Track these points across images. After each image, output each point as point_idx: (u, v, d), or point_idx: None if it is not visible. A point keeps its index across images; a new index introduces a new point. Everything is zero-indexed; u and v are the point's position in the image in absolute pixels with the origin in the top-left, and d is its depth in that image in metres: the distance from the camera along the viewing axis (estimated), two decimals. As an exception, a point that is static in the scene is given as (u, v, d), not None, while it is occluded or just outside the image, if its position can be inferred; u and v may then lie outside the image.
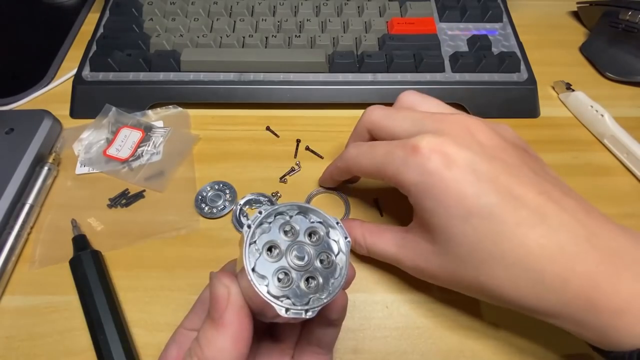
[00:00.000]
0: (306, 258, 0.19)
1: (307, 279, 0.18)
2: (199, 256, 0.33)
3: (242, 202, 0.36)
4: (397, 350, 0.29)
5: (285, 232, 0.19)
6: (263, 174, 0.38)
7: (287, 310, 0.17)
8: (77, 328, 0.30)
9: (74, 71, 0.43)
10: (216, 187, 0.37)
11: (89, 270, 0.31)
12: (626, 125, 0.40)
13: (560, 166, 0.39)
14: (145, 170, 0.38)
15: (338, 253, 0.20)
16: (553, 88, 0.46)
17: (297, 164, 0.39)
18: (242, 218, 0.35)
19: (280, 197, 0.37)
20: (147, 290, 0.32)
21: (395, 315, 0.31)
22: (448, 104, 0.29)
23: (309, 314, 0.18)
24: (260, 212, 0.19)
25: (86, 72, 0.42)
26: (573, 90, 0.44)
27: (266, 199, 0.36)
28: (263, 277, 0.18)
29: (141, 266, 0.33)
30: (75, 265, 0.31)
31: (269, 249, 0.18)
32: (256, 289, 0.17)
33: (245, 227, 0.18)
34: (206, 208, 0.36)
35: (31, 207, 0.34)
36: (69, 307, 0.31)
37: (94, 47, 0.44)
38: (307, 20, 0.45)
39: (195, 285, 0.32)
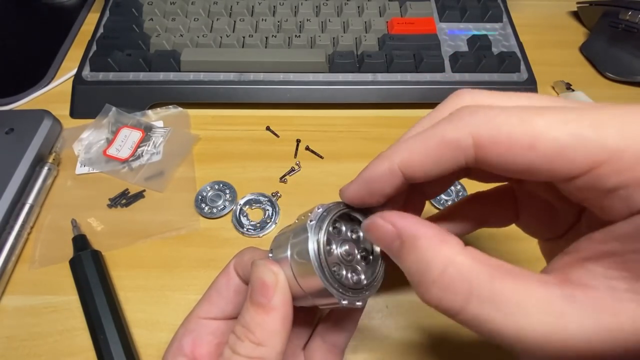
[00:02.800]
0: (352, 254, 0.20)
1: (351, 272, 0.20)
2: (199, 256, 0.33)
3: (242, 202, 0.36)
4: (397, 350, 0.29)
5: (334, 229, 0.21)
6: (263, 174, 0.38)
7: (343, 298, 0.19)
8: (77, 328, 0.30)
9: (74, 71, 0.43)
10: (216, 187, 0.37)
11: (89, 270, 0.31)
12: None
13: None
14: (145, 170, 0.38)
15: (373, 251, 0.21)
16: (553, 88, 0.46)
17: (297, 164, 0.39)
18: (242, 218, 0.35)
19: (280, 197, 0.37)
20: (147, 290, 0.32)
21: (395, 315, 0.31)
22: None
23: (359, 304, 0.19)
24: (318, 208, 0.20)
25: (86, 72, 0.42)
26: (573, 90, 0.44)
27: (266, 199, 0.36)
28: None
29: (141, 266, 0.33)
30: (75, 265, 0.31)
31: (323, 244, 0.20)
32: (322, 278, 0.18)
33: (308, 222, 0.19)
34: (206, 208, 0.36)
35: (31, 207, 0.34)
36: (69, 307, 0.31)
37: (94, 47, 0.44)
38: (307, 20, 0.45)
39: (195, 285, 0.32)
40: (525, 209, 0.22)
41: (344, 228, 0.21)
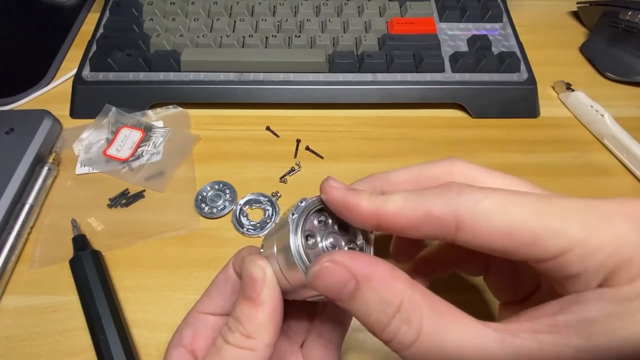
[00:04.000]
0: (338, 246, 0.21)
1: None
2: (199, 256, 0.33)
3: (242, 202, 0.36)
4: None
5: (319, 222, 0.21)
6: (263, 174, 0.38)
7: None
8: (77, 328, 0.30)
9: (74, 71, 0.43)
10: (216, 187, 0.37)
11: (89, 270, 0.31)
12: (626, 125, 0.40)
13: (560, 166, 0.39)
14: (145, 170, 0.38)
15: (362, 242, 0.21)
16: (553, 88, 0.46)
17: (297, 164, 0.39)
18: (242, 218, 0.35)
19: (280, 197, 0.37)
20: (147, 290, 0.32)
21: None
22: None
23: None
24: (301, 202, 0.20)
25: (86, 72, 0.42)
26: (573, 90, 0.44)
27: (266, 199, 0.36)
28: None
29: (141, 266, 0.33)
30: (75, 265, 0.31)
31: (307, 237, 0.20)
32: (303, 269, 0.19)
33: (290, 216, 0.20)
34: (206, 208, 0.36)
35: (31, 207, 0.34)
36: (69, 307, 0.31)
37: (94, 47, 0.44)
38: (307, 20, 0.45)
39: (195, 285, 0.32)
40: (493, 264, 0.24)
41: (330, 221, 0.21)
